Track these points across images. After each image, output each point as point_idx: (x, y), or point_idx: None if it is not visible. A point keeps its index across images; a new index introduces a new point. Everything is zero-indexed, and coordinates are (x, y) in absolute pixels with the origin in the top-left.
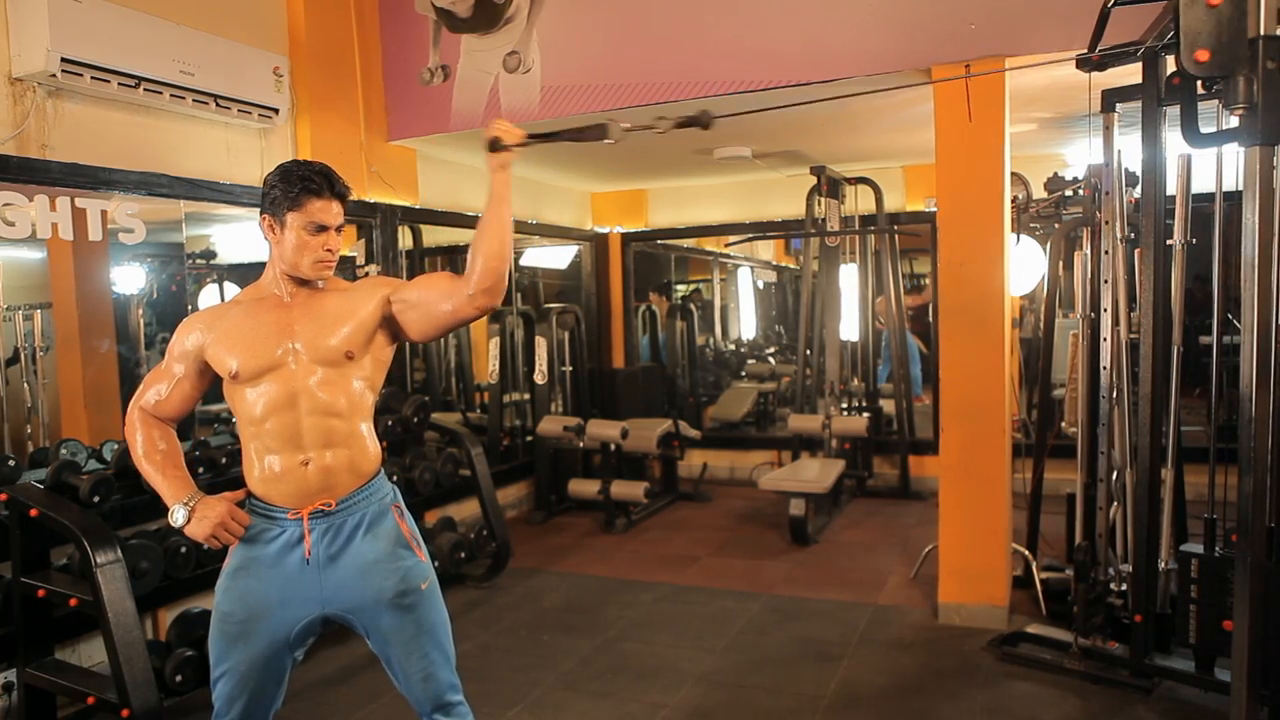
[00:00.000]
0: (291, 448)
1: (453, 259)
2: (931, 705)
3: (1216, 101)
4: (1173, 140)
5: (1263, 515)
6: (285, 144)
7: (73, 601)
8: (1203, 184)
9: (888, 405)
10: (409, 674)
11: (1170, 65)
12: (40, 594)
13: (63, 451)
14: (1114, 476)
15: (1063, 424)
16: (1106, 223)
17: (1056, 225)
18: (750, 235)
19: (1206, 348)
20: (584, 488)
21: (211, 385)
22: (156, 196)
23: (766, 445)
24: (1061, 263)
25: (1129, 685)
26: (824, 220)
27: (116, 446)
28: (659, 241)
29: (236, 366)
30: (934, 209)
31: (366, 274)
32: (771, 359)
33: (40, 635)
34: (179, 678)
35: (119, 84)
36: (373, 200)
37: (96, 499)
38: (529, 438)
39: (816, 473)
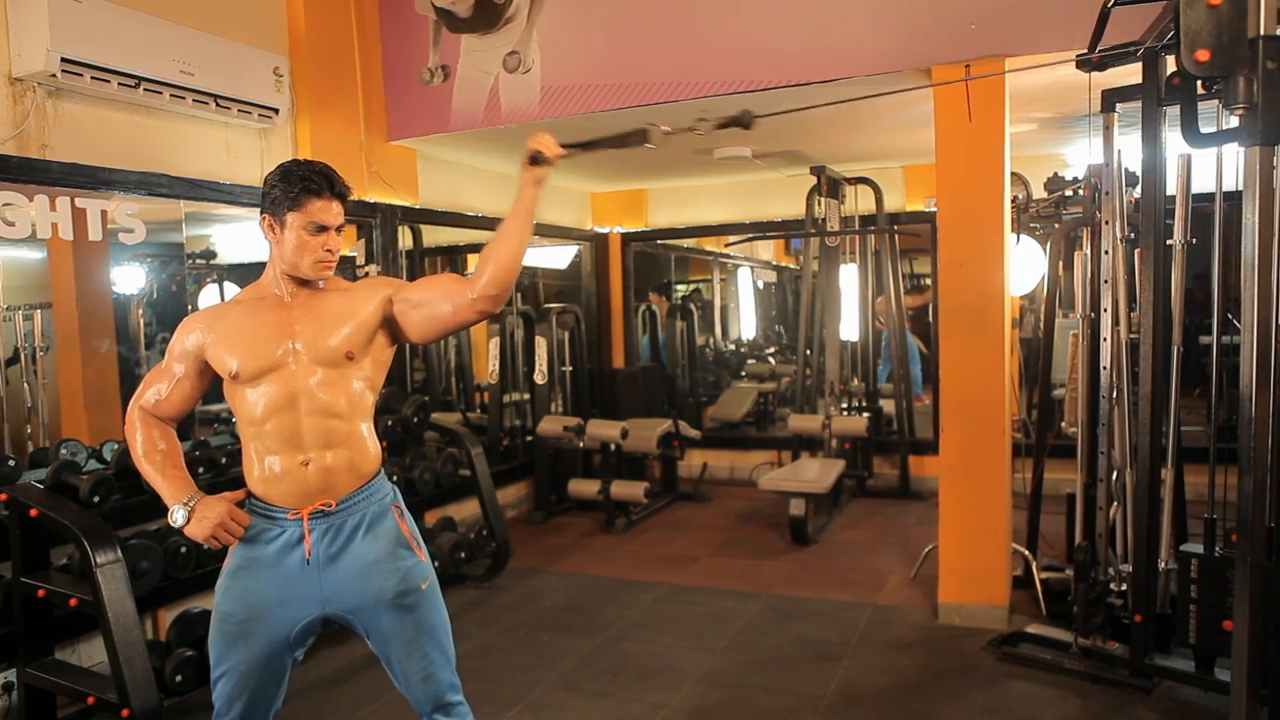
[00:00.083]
0: (292, 448)
1: (453, 259)
2: (931, 705)
3: (1216, 101)
4: (1173, 140)
5: (1263, 515)
6: (285, 144)
7: (73, 601)
8: (1203, 184)
9: (888, 405)
10: (409, 674)
11: (1170, 65)
12: (40, 594)
13: (63, 451)
14: (1114, 476)
15: (1063, 424)
16: (1106, 223)
17: (1056, 225)
18: (750, 235)
19: (1206, 348)
20: (584, 488)
21: (211, 385)
22: (156, 196)
23: (766, 445)
24: (1061, 263)
25: (1129, 685)
26: (824, 220)
27: (116, 446)
28: (659, 241)
29: (237, 367)
30: (934, 209)
31: (366, 274)
32: (771, 359)
33: (40, 635)
34: (179, 678)
35: (119, 84)
36: (373, 200)
37: (96, 499)
38: (529, 438)
39: (816, 473)
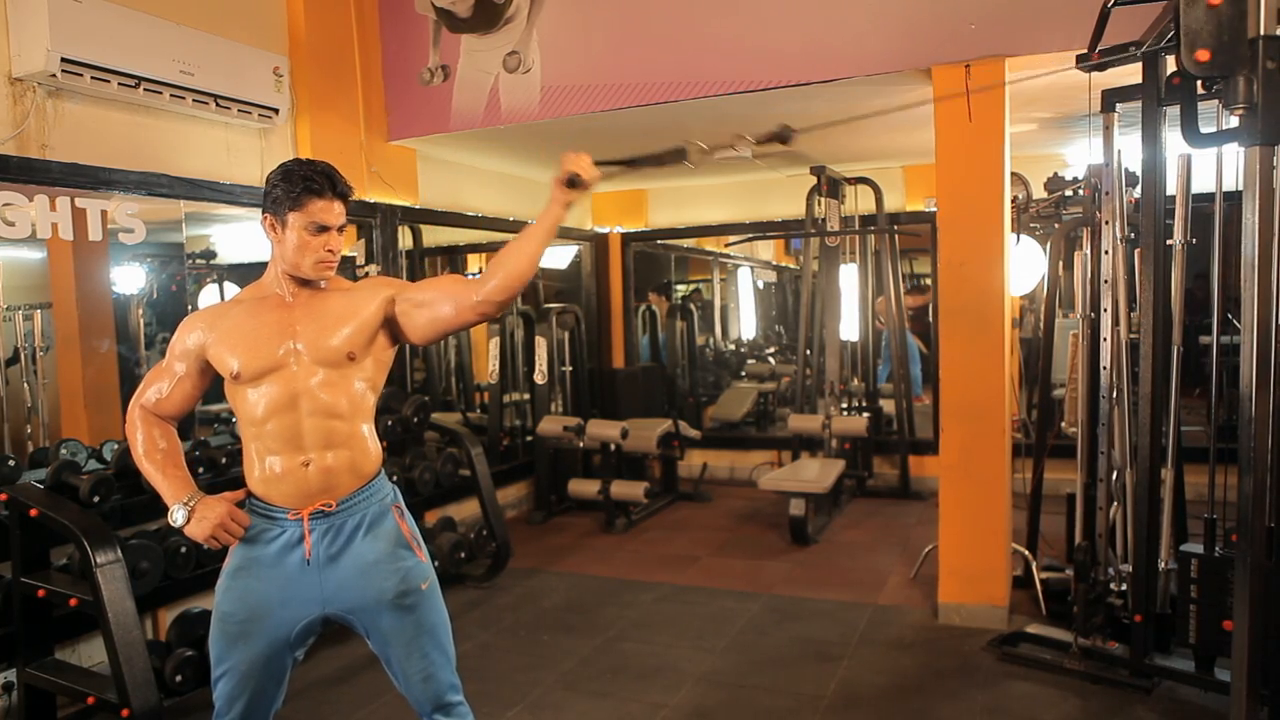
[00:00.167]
0: (292, 449)
1: (453, 259)
2: (931, 705)
3: (1216, 101)
4: (1173, 140)
5: (1263, 515)
6: (285, 144)
7: (73, 601)
8: (1203, 184)
9: (888, 405)
10: (409, 674)
11: (1170, 65)
12: (40, 594)
13: (63, 451)
14: (1114, 476)
15: (1063, 424)
16: (1106, 223)
17: (1056, 225)
18: (750, 235)
19: (1206, 348)
20: (584, 488)
21: (212, 384)
22: (156, 196)
23: (766, 445)
24: (1061, 263)
25: (1129, 685)
26: (824, 220)
27: (116, 446)
28: (659, 241)
29: (238, 367)
30: (934, 209)
31: (366, 274)
32: (771, 359)
33: (40, 635)
34: (179, 678)
35: (119, 84)
36: (373, 200)
37: (96, 499)
38: (529, 438)
39: (816, 473)
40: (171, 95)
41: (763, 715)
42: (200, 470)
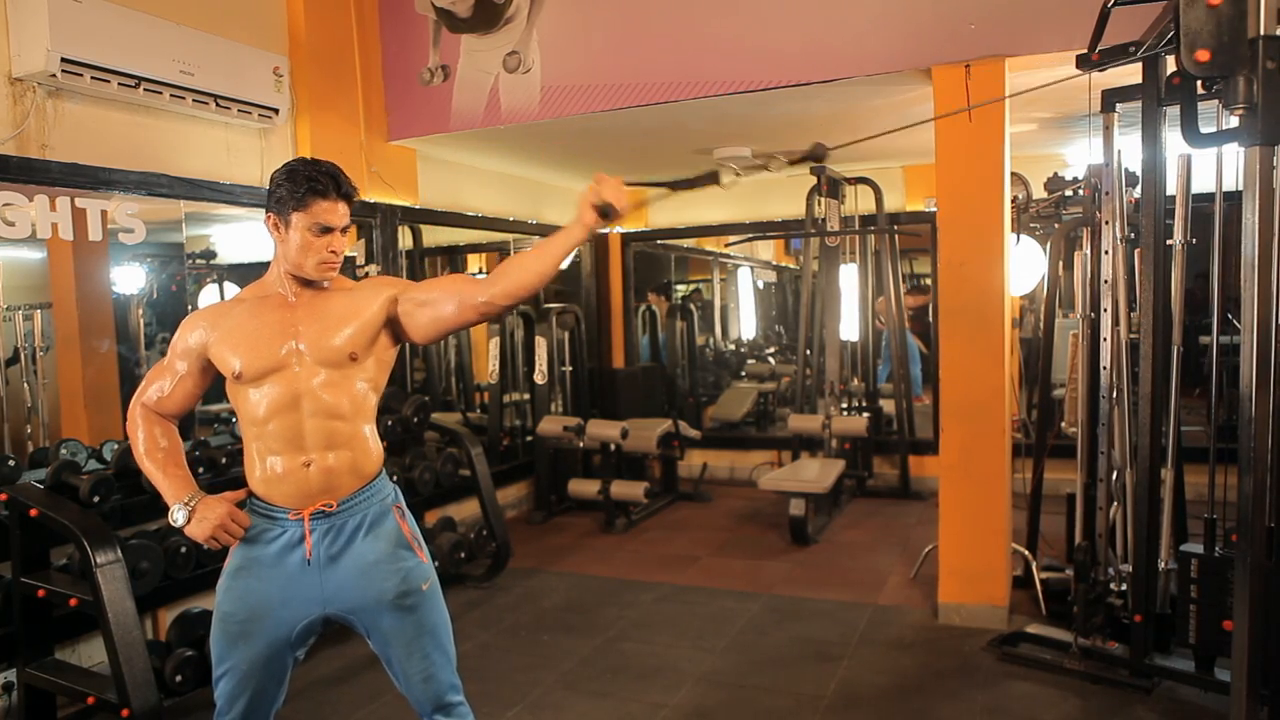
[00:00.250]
0: (294, 449)
1: (453, 259)
2: (931, 705)
3: (1216, 101)
4: (1173, 140)
5: (1263, 515)
6: (285, 144)
7: (73, 601)
8: (1203, 184)
9: (888, 405)
10: (410, 675)
11: (1170, 65)
12: (40, 594)
13: (63, 451)
14: (1114, 476)
15: (1063, 424)
16: (1106, 223)
17: (1056, 225)
18: (750, 235)
19: (1206, 348)
20: (584, 488)
21: (213, 383)
22: (156, 196)
23: (766, 445)
24: (1061, 263)
25: (1129, 685)
26: (824, 220)
27: (116, 446)
28: (659, 241)
29: (240, 366)
30: (934, 209)
31: (367, 274)
32: (771, 359)
33: (40, 635)
34: (179, 678)
35: (119, 84)
36: (373, 200)
37: (96, 499)
38: (529, 438)
39: (816, 473)
40: (171, 95)
41: (763, 715)
42: (200, 470)
